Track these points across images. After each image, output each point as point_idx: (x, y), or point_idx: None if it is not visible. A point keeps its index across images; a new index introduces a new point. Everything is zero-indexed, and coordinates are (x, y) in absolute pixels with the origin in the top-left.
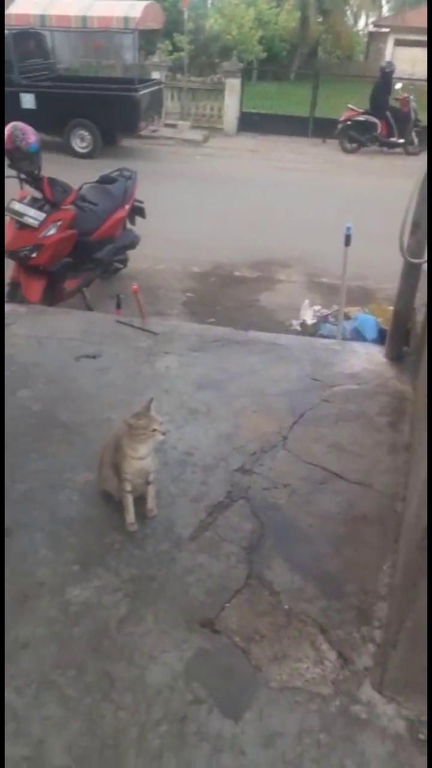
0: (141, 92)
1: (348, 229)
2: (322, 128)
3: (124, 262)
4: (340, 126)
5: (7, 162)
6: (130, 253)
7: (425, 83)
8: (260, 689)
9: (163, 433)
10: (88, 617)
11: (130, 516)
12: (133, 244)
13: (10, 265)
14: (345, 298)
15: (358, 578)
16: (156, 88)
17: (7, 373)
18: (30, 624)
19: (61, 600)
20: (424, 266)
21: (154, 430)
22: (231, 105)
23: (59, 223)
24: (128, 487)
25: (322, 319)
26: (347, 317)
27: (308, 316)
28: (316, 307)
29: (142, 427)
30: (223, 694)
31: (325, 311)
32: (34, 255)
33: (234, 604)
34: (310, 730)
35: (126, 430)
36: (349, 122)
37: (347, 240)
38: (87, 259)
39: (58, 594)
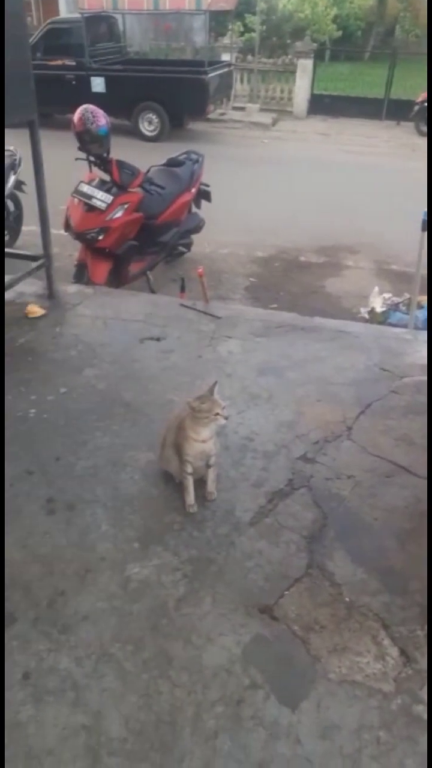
0: (210, 75)
1: (425, 214)
2: (396, 110)
3: (189, 245)
4: (416, 108)
5: (77, 145)
6: (195, 237)
7: None
8: (318, 680)
9: (226, 418)
10: (147, 595)
11: (190, 497)
12: (197, 227)
13: (77, 247)
14: (419, 286)
15: (423, 575)
16: (225, 70)
17: (73, 352)
18: (91, 597)
19: (121, 576)
20: None
21: (217, 414)
22: (302, 87)
23: (126, 206)
24: (189, 468)
25: (392, 307)
26: (419, 306)
27: (377, 304)
28: (386, 295)
29: (205, 411)
30: (281, 681)
31: (395, 299)
32: (100, 237)
33: (293, 592)
34: (370, 726)
35: (189, 412)
36: (425, 104)
37: (424, 225)
38: (152, 242)
39: (119, 570)
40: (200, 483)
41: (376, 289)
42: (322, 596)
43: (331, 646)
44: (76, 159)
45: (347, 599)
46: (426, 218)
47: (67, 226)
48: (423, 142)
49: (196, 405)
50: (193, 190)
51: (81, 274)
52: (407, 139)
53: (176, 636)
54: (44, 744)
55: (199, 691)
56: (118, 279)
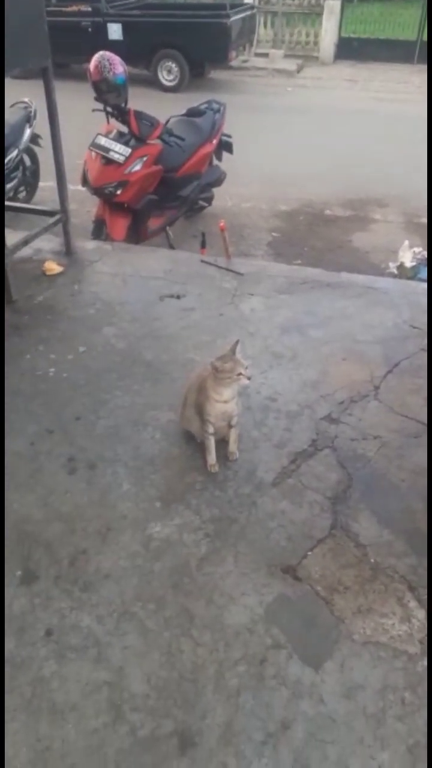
0: (232, 18)
1: None
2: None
3: (210, 200)
4: None
5: (93, 95)
6: (216, 191)
7: None
8: (342, 641)
9: (249, 378)
10: (168, 553)
11: (212, 457)
12: (219, 180)
13: (95, 203)
14: None
15: None
16: (248, 13)
17: (91, 311)
18: (112, 555)
19: (143, 535)
20: None
21: (240, 374)
22: (329, 30)
23: (145, 159)
24: (211, 429)
25: (422, 262)
26: None
27: (407, 258)
28: (416, 249)
29: (227, 371)
30: (304, 641)
31: (425, 253)
32: (119, 192)
33: (317, 553)
34: (395, 686)
35: (210, 372)
36: None
37: None
38: (172, 196)
39: (140, 529)
40: (222, 443)
41: (406, 243)
42: (346, 557)
43: (356, 607)
44: (93, 110)
45: (372, 560)
46: None
47: (85, 181)
48: None
49: (219, 365)
50: (215, 141)
51: (99, 231)
52: None
53: (198, 595)
54: (67, 699)
55: (221, 650)
56: (137, 235)
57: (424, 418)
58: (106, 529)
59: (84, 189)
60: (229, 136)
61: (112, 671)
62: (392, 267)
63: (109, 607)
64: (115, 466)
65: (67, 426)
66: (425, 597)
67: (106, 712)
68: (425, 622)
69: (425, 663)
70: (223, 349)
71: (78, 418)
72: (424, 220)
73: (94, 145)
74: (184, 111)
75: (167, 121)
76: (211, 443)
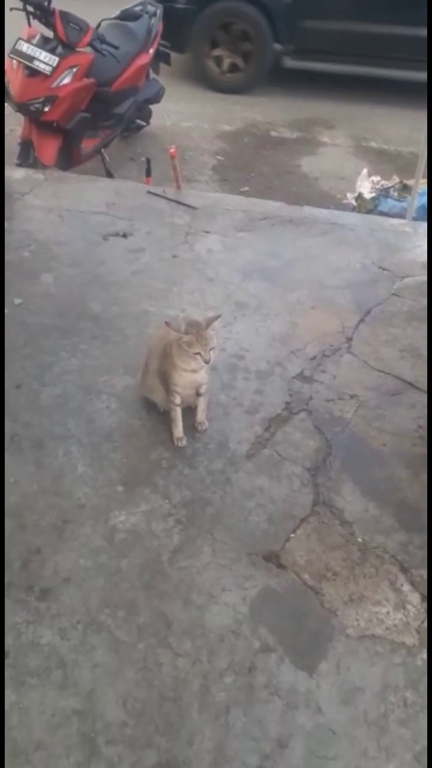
0: None
1: None
2: None
3: (147, 118)
4: None
5: None
6: (154, 108)
7: None
8: (336, 637)
9: (207, 362)
10: (137, 547)
11: (179, 430)
12: (157, 96)
13: (20, 122)
14: (421, 170)
15: None
16: None
17: (26, 253)
18: (72, 554)
19: (105, 526)
20: None
21: (197, 354)
22: None
23: (75, 70)
24: (177, 399)
25: (383, 193)
26: (406, 192)
27: (366, 189)
28: (375, 178)
29: (185, 344)
30: (295, 641)
31: (385, 183)
32: (46, 109)
33: (300, 534)
34: (395, 686)
35: (174, 336)
36: None
37: None
38: (106, 114)
39: (102, 519)
40: (188, 412)
41: (365, 171)
42: (332, 537)
43: (347, 595)
44: (11, 9)
45: (360, 540)
46: None
47: (6, 95)
48: None
49: (176, 330)
50: (151, 51)
51: (26, 154)
52: None
53: (174, 595)
54: (31, 736)
55: (205, 660)
56: (69, 158)
57: (401, 372)
58: (63, 522)
59: (6, 105)
60: (168, 45)
61: (81, 697)
62: (350, 198)
63: (73, 618)
64: (68, 444)
65: (7, 397)
66: (419, 578)
67: (77, 747)
68: (420, 607)
69: (425, 656)
70: (201, 316)
71: (18, 386)
72: (374, 143)
73: (15, 53)
74: (116, 13)
75: (98, 26)
76: (178, 414)
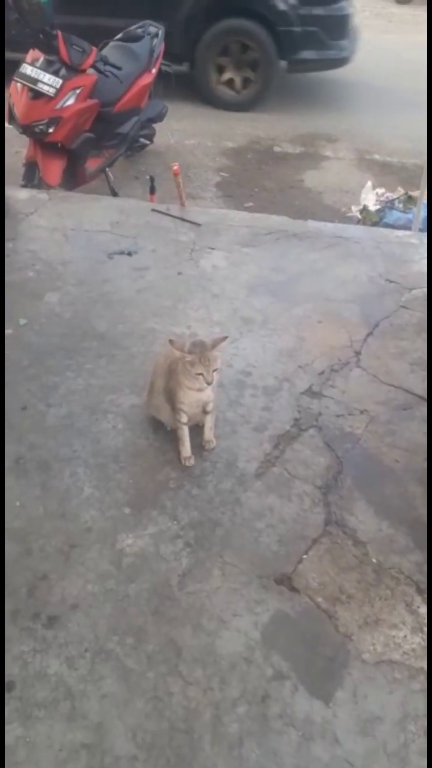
0: None
1: None
2: None
3: (151, 137)
4: None
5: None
6: (157, 127)
7: None
8: (352, 663)
9: (209, 383)
10: (145, 571)
11: (186, 449)
12: (161, 115)
13: (25, 143)
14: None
15: None
16: None
17: (30, 273)
18: (79, 579)
19: (112, 550)
20: None
21: (199, 374)
22: None
23: (79, 91)
24: (184, 418)
25: (388, 205)
26: (411, 203)
27: (370, 201)
28: (380, 190)
29: (188, 363)
30: (309, 668)
31: (389, 195)
32: (51, 130)
33: (312, 556)
34: (415, 714)
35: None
36: None
37: None
38: (110, 134)
39: (109, 543)
40: (196, 430)
41: (369, 183)
42: (345, 558)
43: (362, 619)
44: (13, 32)
45: (374, 560)
46: None
47: (11, 118)
48: (400, 11)
49: (180, 349)
50: (154, 71)
51: (31, 175)
52: (382, 7)
53: (183, 621)
54: None
55: (217, 688)
56: (73, 178)
57: (412, 386)
58: (69, 547)
59: (11, 127)
60: (169, 65)
61: (89, 729)
62: (354, 211)
63: (81, 646)
64: (73, 466)
65: (12, 418)
66: None
67: None
68: None
69: None
70: (208, 337)
71: (24, 408)
72: (378, 156)
73: (20, 75)
74: (118, 35)
75: (101, 47)
76: (185, 433)
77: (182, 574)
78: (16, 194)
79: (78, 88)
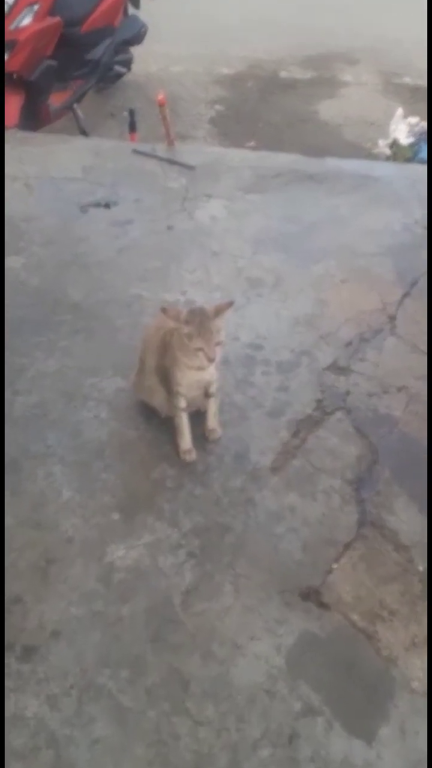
0: None
1: None
2: None
3: (128, 63)
4: None
5: None
6: (135, 51)
7: None
8: (398, 693)
9: (211, 360)
10: (140, 589)
11: (186, 441)
12: (138, 36)
13: None
14: None
15: None
16: None
17: None
18: (60, 601)
19: (100, 565)
20: None
21: (199, 349)
22: None
23: (36, 8)
24: (182, 402)
25: (423, 137)
26: None
27: (401, 133)
28: (412, 120)
29: (186, 336)
30: (346, 700)
31: (424, 125)
32: (5, 57)
33: (345, 564)
34: None
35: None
36: None
37: None
38: (77, 61)
39: (96, 556)
40: (197, 417)
41: (399, 112)
42: (385, 567)
43: (408, 639)
44: None
45: (420, 568)
46: None
47: None
48: None
49: (175, 317)
50: None
51: None
52: None
53: (189, 647)
54: None
55: (233, 729)
56: (35, 117)
57: None
58: (46, 562)
59: None
60: None
61: None
62: (382, 145)
63: (64, 682)
64: (49, 464)
65: None
66: None
67: None
68: None
69: None
70: (210, 304)
71: None
72: (408, 79)
73: None
74: None
75: None
76: (184, 421)
77: (186, 591)
78: None
79: (35, 4)
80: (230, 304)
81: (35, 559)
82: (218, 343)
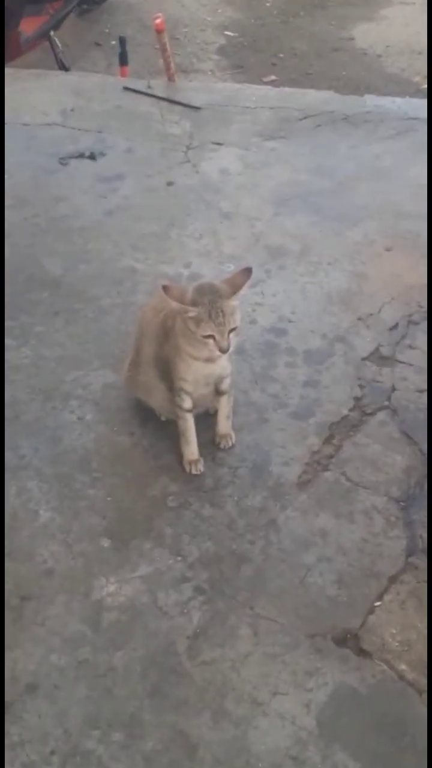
0: None
1: None
2: None
3: None
4: None
5: None
6: None
7: None
8: None
9: (223, 350)
10: (136, 633)
11: (192, 449)
12: None
13: None
14: None
15: None
16: None
17: None
18: (37, 648)
19: (86, 602)
20: None
21: (209, 336)
22: None
23: None
24: (187, 402)
25: None
26: None
27: None
28: None
29: (192, 320)
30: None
31: None
32: None
33: (390, 602)
34: None
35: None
36: None
37: None
38: None
39: (81, 591)
40: (205, 420)
41: None
42: None
43: None
44: None
45: None
46: None
47: None
48: None
49: (179, 299)
50: None
51: None
52: None
53: (198, 705)
54: None
55: None
56: (4, 49)
57: None
58: (20, 599)
59: None
60: None
61: None
62: None
63: (44, 746)
64: (22, 479)
65: None
66: None
67: None
68: None
69: None
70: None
71: None
72: None
73: None
74: None
75: None
76: (189, 425)
77: (193, 634)
78: None
79: None
80: (248, 274)
81: (6, 596)
82: (232, 330)
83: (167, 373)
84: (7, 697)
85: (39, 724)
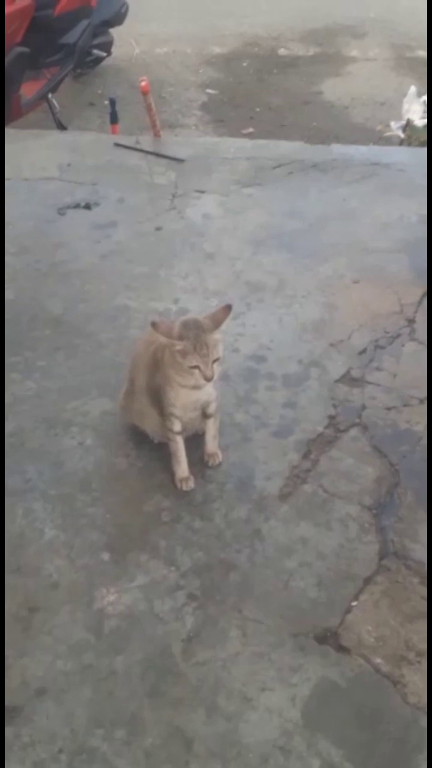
0: None
1: None
2: None
3: (107, 46)
4: None
5: None
6: (116, 32)
7: None
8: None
9: (208, 379)
10: (135, 638)
11: (182, 467)
12: (119, 17)
13: None
14: None
15: None
16: None
17: None
18: (45, 654)
19: (89, 612)
20: None
21: (195, 367)
22: None
23: None
24: (177, 426)
25: None
26: None
27: (416, 114)
28: (426, 98)
29: (179, 354)
30: (371, 756)
31: None
32: None
33: (365, 601)
34: None
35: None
36: None
37: None
38: (51, 46)
39: (84, 601)
40: (194, 441)
41: (412, 89)
42: (411, 602)
43: None
44: None
45: None
46: None
47: None
48: None
49: (166, 333)
50: None
51: None
52: None
53: (192, 702)
54: None
55: None
56: (5, 110)
57: None
58: (29, 611)
59: None
60: None
61: None
62: (395, 128)
63: (53, 746)
64: (28, 500)
65: None
66: None
67: None
68: None
69: None
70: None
71: None
72: (421, 52)
73: None
74: None
75: None
76: (179, 446)
77: (187, 638)
78: None
79: None
80: (228, 310)
81: (15, 609)
82: (216, 360)
83: (158, 400)
84: (18, 701)
85: (47, 725)
